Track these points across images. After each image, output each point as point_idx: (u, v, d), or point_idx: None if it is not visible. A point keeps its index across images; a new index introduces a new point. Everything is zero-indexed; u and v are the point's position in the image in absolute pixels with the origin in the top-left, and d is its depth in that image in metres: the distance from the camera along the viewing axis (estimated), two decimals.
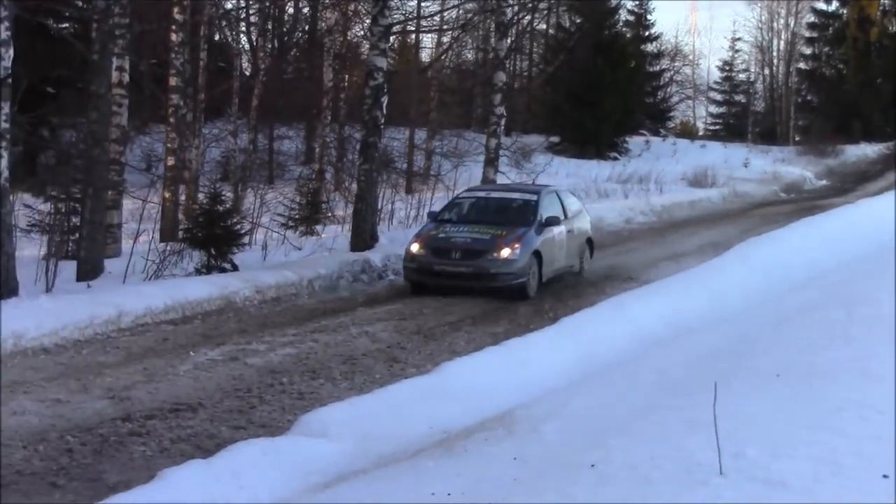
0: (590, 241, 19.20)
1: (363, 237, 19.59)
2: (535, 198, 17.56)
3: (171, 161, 23.30)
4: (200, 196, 22.33)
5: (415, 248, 16.59)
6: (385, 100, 20.11)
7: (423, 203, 25.46)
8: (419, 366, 11.52)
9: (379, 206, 22.01)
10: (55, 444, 8.43)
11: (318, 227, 23.77)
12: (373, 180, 20.43)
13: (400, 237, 20.53)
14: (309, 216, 23.84)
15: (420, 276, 16.44)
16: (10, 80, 13.30)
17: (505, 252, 15.99)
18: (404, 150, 35.06)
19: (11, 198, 14.34)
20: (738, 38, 72.78)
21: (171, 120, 23.38)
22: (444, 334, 13.50)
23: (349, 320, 14.17)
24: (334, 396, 10.04)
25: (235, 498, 6.79)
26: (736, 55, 72.89)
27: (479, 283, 15.97)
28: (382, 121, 20.21)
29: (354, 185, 22.68)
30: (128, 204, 21.13)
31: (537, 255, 16.41)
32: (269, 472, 7.21)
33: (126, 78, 19.63)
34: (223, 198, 18.62)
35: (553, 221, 17.07)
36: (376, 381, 10.83)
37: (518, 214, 17.14)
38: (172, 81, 23.29)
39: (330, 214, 25.62)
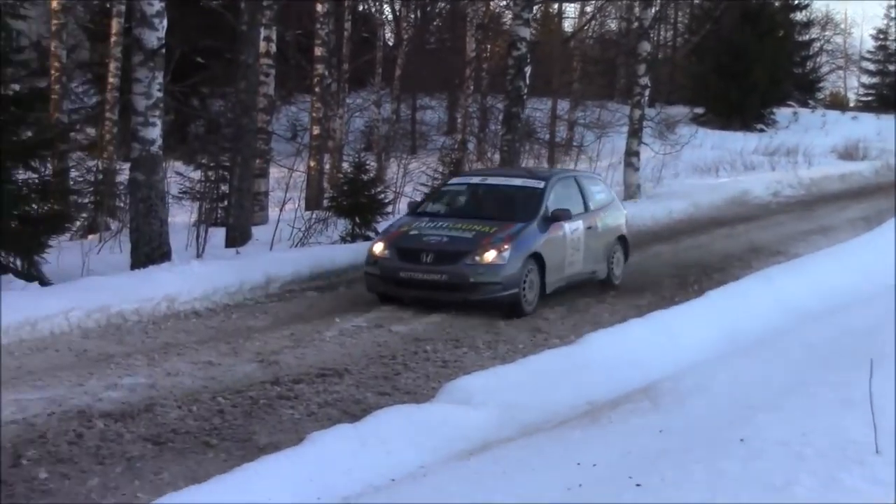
0: (623, 240, 15.33)
1: None
2: (541, 185, 14.07)
3: (316, 130, 23.67)
4: (345, 165, 22.61)
5: (378, 248, 13.19)
6: (528, 70, 19.98)
7: None
8: (562, 336, 11.51)
9: None
10: (207, 405, 8.67)
11: None
12: (515, 151, 20.38)
13: None
14: None
15: (383, 284, 13.06)
16: (163, 51, 13.67)
17: (490, 255, 12.57)
18: (547, 121, 34.87)
19: (164, 165, 14.75)
20: (895, 5, 70.29)
21: (317, 90, 23.76)
22: (588, 305, 13.45)
23: None
24: (478, 365, 10.09)
25: (384, 462, 6.88)
26: (891, 23, 70.41)
27: (457, 295, 12.67)
28: (525, 91, 20.12)
29: (497, 156, 22.69)
30: (274, 172, 21.57)
31: (537, 258, 12.99)
32: (415, 438, 7.27)
33: (273, 48, 19.99)
34: (367, 167, 18.87)
35: (562, 215, 13.53)
36: (519, 350, 10.87)
37: (516, 207, 13.72)
38: (318, 52, 23.70)
39: None
